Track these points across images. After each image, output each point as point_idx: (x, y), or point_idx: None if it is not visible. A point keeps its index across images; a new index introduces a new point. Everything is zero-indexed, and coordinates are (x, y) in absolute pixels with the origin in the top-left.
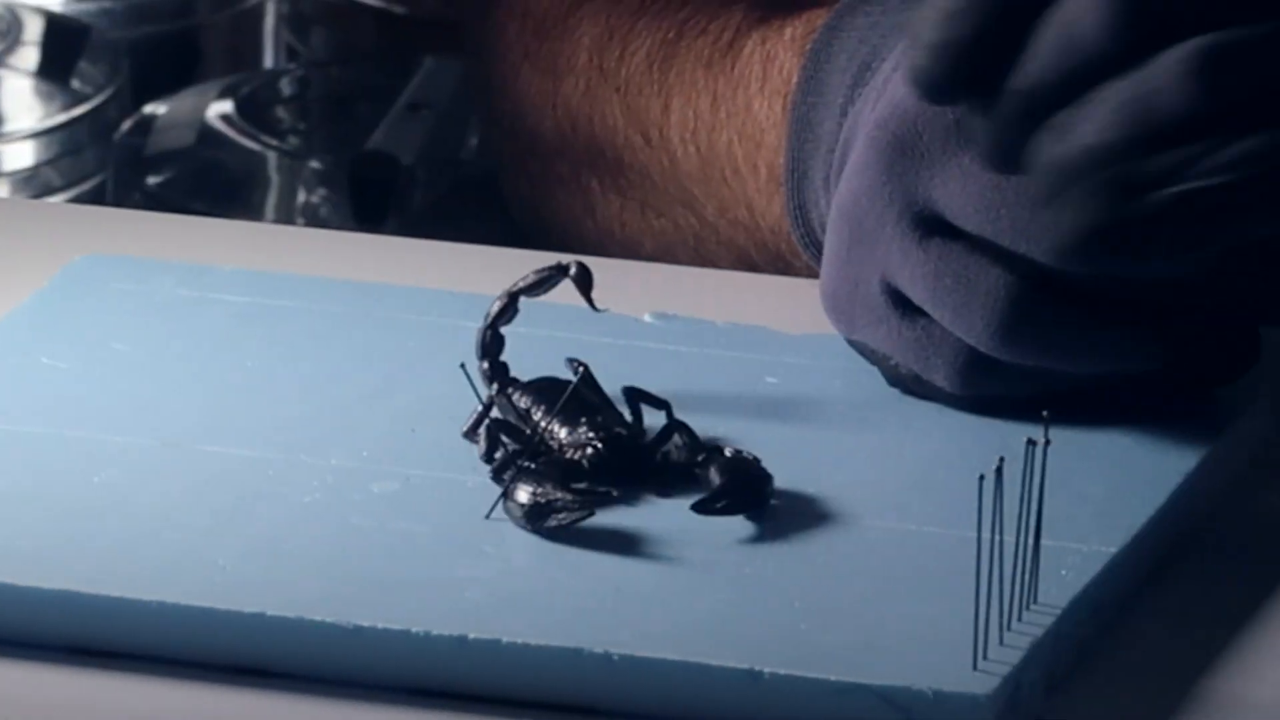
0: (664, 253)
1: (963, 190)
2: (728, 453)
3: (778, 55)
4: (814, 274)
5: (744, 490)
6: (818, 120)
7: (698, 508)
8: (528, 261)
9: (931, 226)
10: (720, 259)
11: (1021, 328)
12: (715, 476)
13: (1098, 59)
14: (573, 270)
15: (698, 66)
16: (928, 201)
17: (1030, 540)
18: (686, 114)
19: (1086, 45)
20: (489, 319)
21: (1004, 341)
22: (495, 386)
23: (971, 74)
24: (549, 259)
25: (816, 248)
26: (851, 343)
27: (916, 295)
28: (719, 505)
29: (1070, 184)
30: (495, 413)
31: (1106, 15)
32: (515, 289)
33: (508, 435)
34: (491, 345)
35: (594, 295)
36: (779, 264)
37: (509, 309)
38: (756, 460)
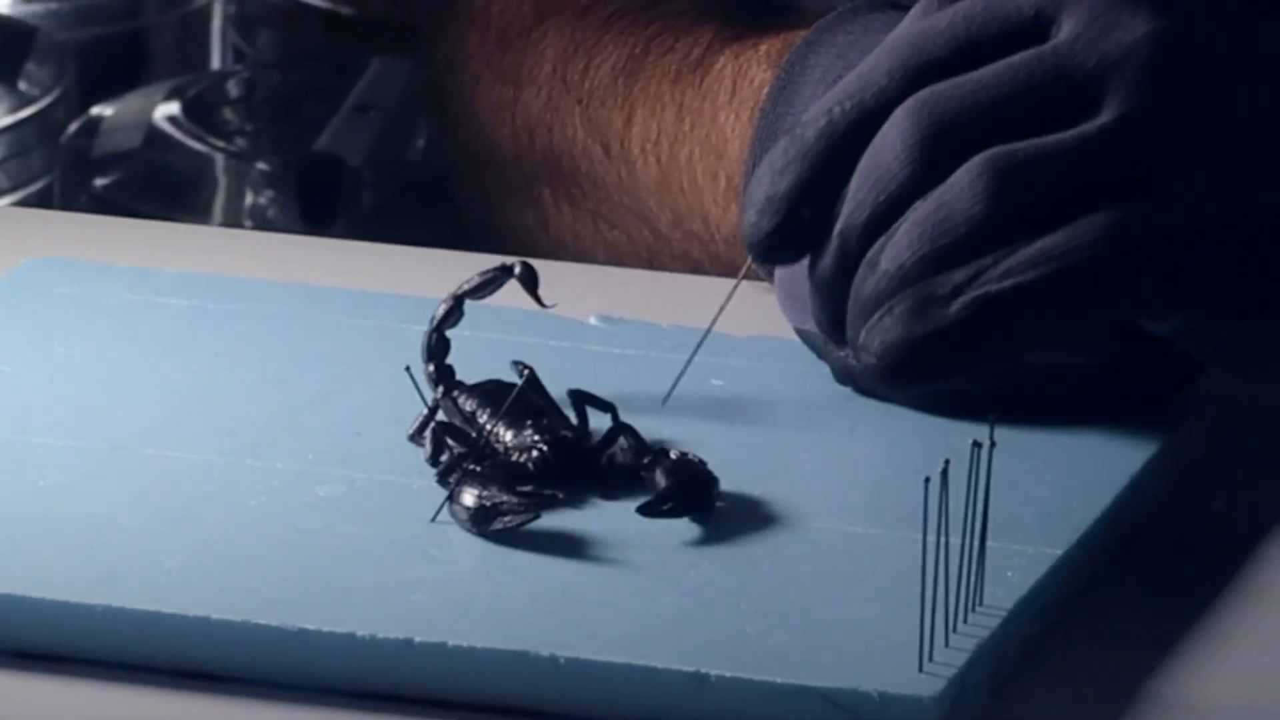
0: (616, 264)
1: None
2: (673, 455)
3: (750, 69)
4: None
5: (689, 492)
6: (784, 131)
7: (644, 510)
8: (475, 264)
9: None
10: (673, 271)
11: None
12: (661, 479)
13: (903, 189)
14: (518, 270)
15: (664, 81)
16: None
17: (976, 542)
18: (649, 126)
19: (891, 178)
20: (434, 322)
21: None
22: (441, 389)
23: (799, 227)
24: (496, 261)
25: None
26: (801, 335)
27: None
28: (665, 508)
29: (875, 309)
30: (441, 416)
31: (906, 145)
32: (460, 291)
33: (453, 438)
34: (437, 348)
35: (545, 297)
36: (732, 277)
37: (454, 311)
38: (702, 462)
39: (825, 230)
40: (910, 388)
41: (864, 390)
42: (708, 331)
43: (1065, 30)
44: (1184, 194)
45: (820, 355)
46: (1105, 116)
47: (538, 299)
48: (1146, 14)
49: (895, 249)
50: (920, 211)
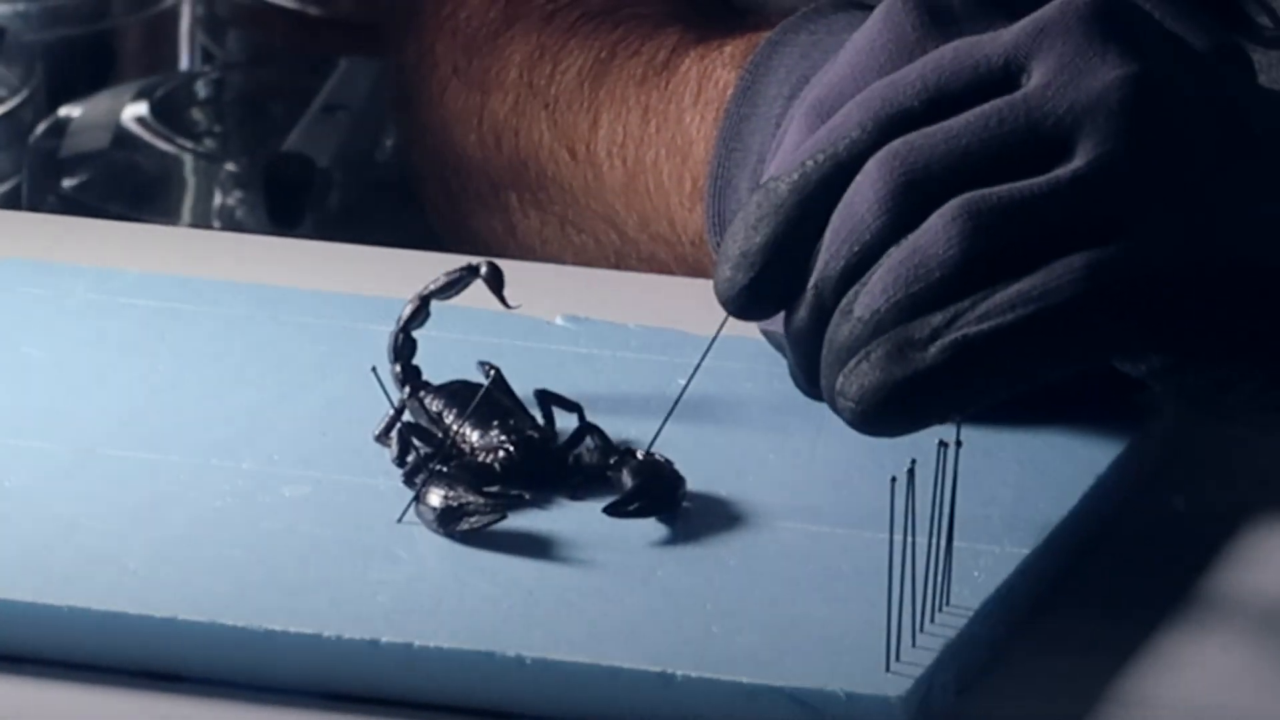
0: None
1: None
2: (639, 455)
3: (715, 70)
4: None
5: (656, 492)
6: (749, 131)
7: (610, 510)
8: (442, 264)
9: None
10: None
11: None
12: (628, 479)
13: (877, 239)
14: (483, 270)
15: (630, 84)
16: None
17: (942, 542)
18: (615, 129)
19: (865, 228)
20: (401, 322)
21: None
22: (407, 390)
23: (775, 282)
24: (463, 261)
25: None
26: (766, 335)
27: None
28: (631, 507)
29: (850, 356)
30: (407, 416)
31: (878, 195)
32: (426, 292)
33: (420, 439)
34: (403, 348)
35: (507, 296)
36: (699, 278)
37: (420, 312)
38: (669, 462)
39: (800, 284)
40: (889, 433)
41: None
42: (696, 368)
43: (1036, 77)
44: (1159, 237)
45: (785, 355)
46: (1078, 161)
47: (503, 300)
48: (1116, 59)
49: (869, 295)
50: (894, 258)
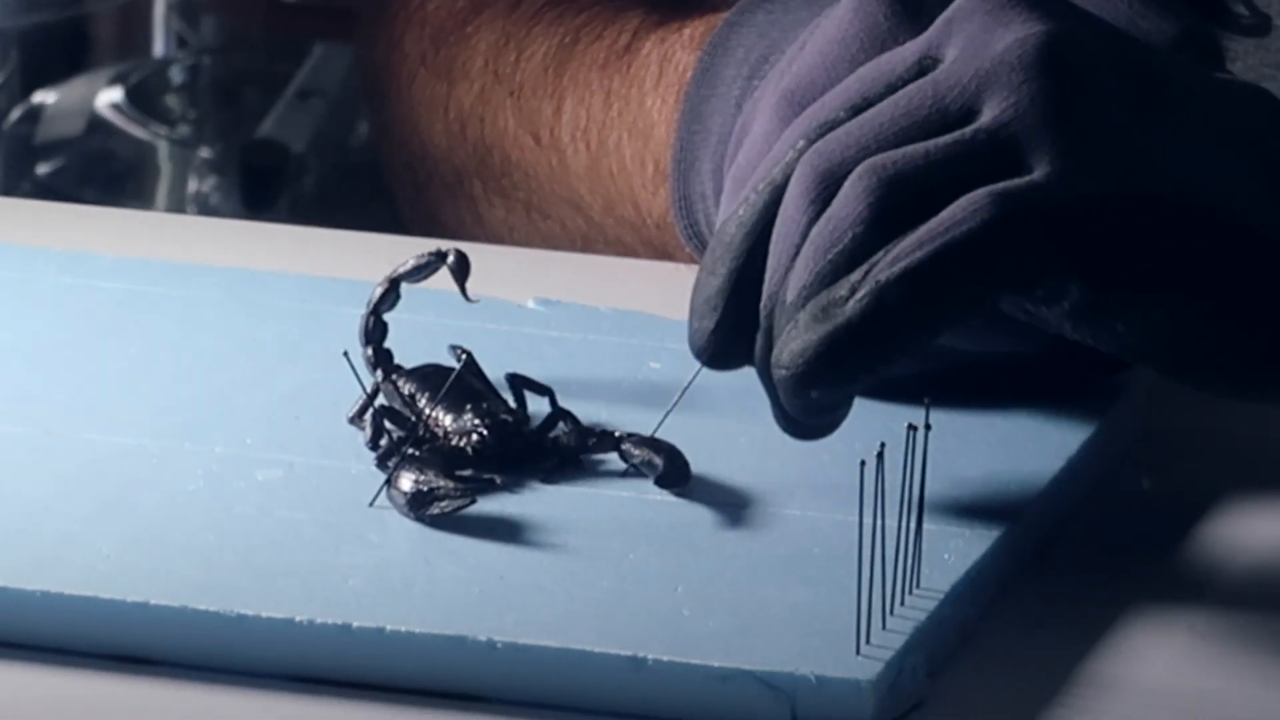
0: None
1: None
2: (624, 434)
3: (675, 53)
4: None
5: (685, 464)
6: (709, 112)
7: (664, 483)
8: (415, 248)
9: (828, 197)
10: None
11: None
12: (652, 455)
13: (805, 234)
14: (450, 259)
15: (593, 69)
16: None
17: (912, 525)
18: (579, 113)
19: (795, 229)
20: (371, 305)
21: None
22: (380, 373)
23: (741, 321)
24: (425, 244)
25: (699, 240)
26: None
27: None
28: (683, 479)
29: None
30: (381, 399)
31: (803, 192)
32: (396, 275)
33: (393, 422)
34: (374, 331)
35: (480, 280)
36: (665, 261)
37: (390, 295)
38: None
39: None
40: (827, 398)
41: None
42: (676, 400)
43: (946, 60)
44: (1069, 171)
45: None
46: (984, 117)
47: (464, 291)
48: (1019, 26)
49: (795, 277)
50: (812, 233)
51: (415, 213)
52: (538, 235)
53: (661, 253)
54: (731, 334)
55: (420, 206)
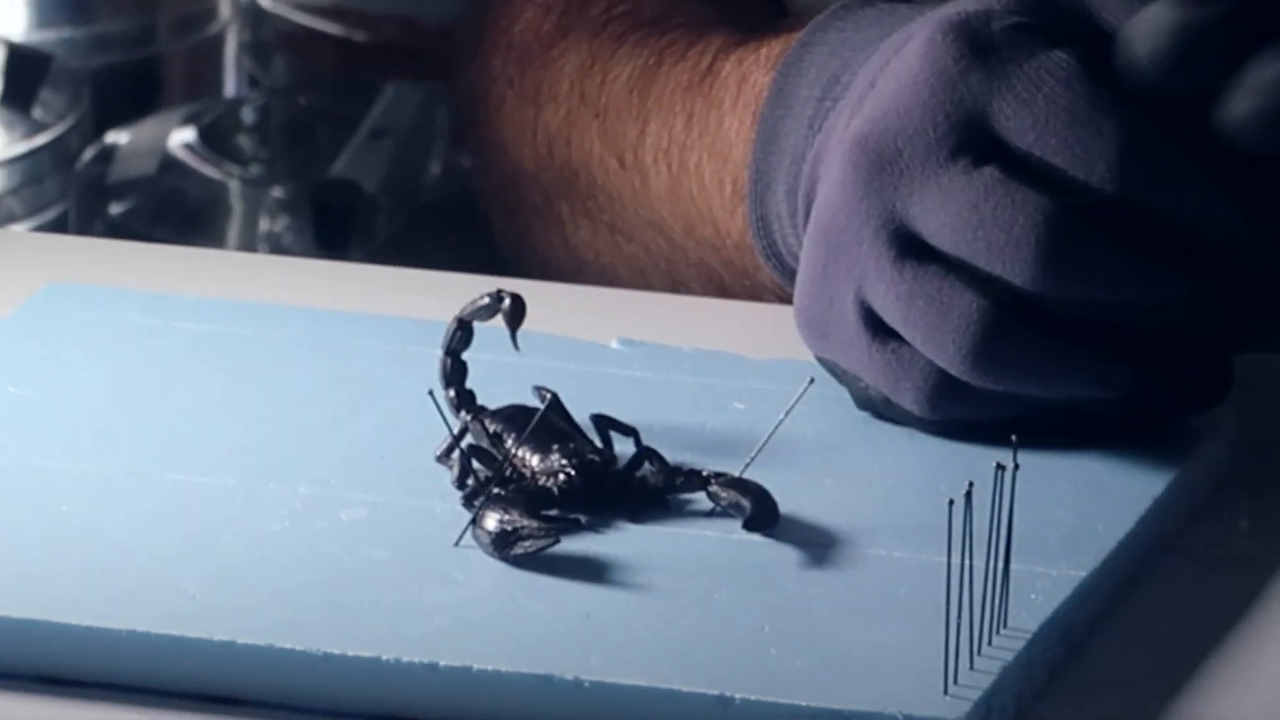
0: (638, 278)
1: (940, 209)
2: (712, 474)
3: (751, 73)
4: (779, 289)
5: (772, 505)
6: (784, 132)
7: (752, 526)
8: (487, 287)
9: (908, 245)
10: (691, 281)
11: (993, 352)
12: (739, 497)
13: None
14: (505, 303)
15: (676, 90)
16: (905, 219)
17: (1000, 564)
18: (661, 135)
19: None
20: (445, 346)
21: (975, 366)
22: (468, 413)
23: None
24: (506, 285)
25: (778, 260)
26: (821, 361)
27: (889, 315)
28: (771, 523)
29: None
30: (468, 439)
31: None
32: (462, 314)
33: (480, 461)
34: (454, 373)
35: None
36: (746, 281)
37: (458, 334)
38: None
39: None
40: (1066, 287)
41: (883, 416)
42: (764, 442)
43: None
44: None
45: (840, 381)
46: None
47: (514, 336)
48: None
49: None
50: None
51: (508, 239)
52: (621, 258)
53: (741, 273)
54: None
55: (512, 232)
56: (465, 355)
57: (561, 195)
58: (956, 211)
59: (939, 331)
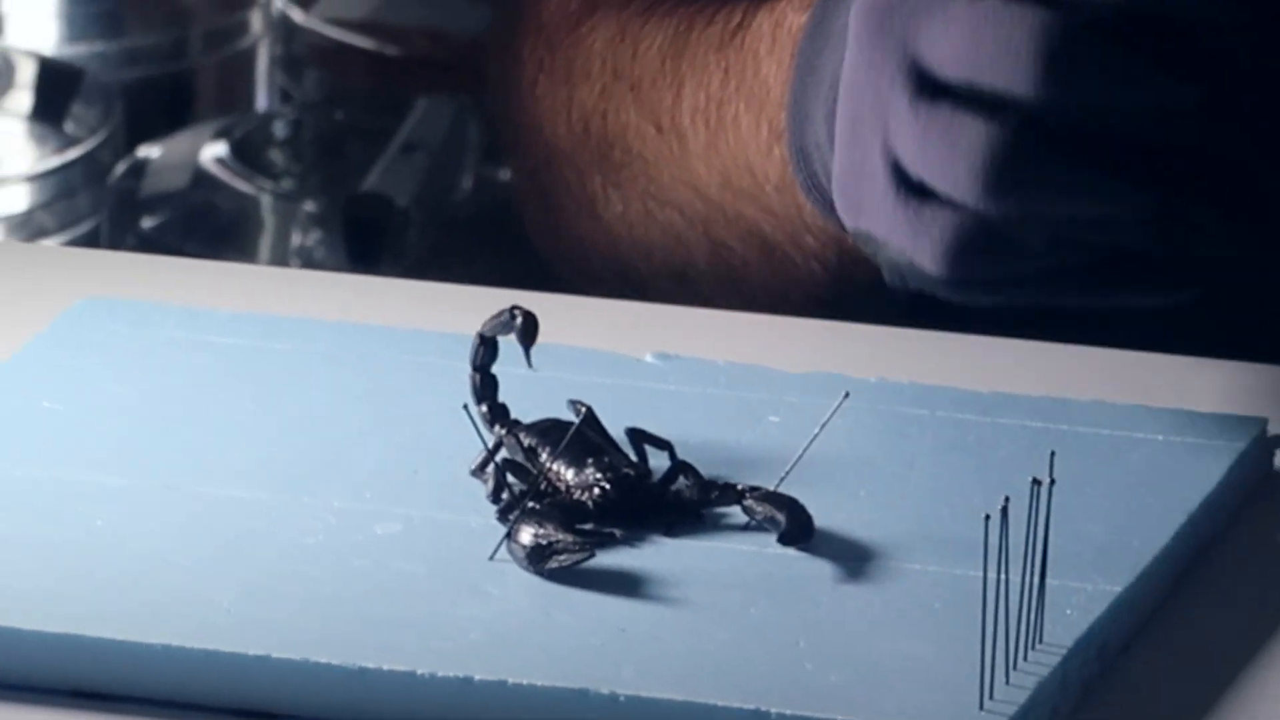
0: (675, 247)
1: (946, 38)
2: (747, 488)
3: (785, 16)
4: (821, 232)
5: (807, 519)
6: (822, 64)
7: (787, 540)
8: (520, 301)
9: (923, 84)
10: (731, 239)
11: (1005, 174)
12: (774, 511)
13: None
14: (517, 320)
15: (710, 50)
16: (917, 57)
17: (1035, 579)
18: (698, 95)
19: None
20: (473, 362)
21: (989, 189)
22: (503, 427)
23: None
24: (539, 299)
25: (819, 192)
26: (856, 236)
27: (909, 158)
28: (807, 536)
29: None
30: (503, 453)
31: None
32: (483, 330)
33: (515, 475)
34: (484, 388)
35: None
36: (788, 226)
37: (482, 349)
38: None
39: None
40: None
41: (912, 290)
42: (799, 456)
43: None
44: None
45: (872, 253)
46: None
47: (527, 353)
48: None
49: None
50: None
51: (542, 234)
52: (656, 226)
53: (783, 219)
54: None
55: (546, 224)
56: (496, 369)
57: (595, 169)
58: (961, 37)
59: (953, 162)
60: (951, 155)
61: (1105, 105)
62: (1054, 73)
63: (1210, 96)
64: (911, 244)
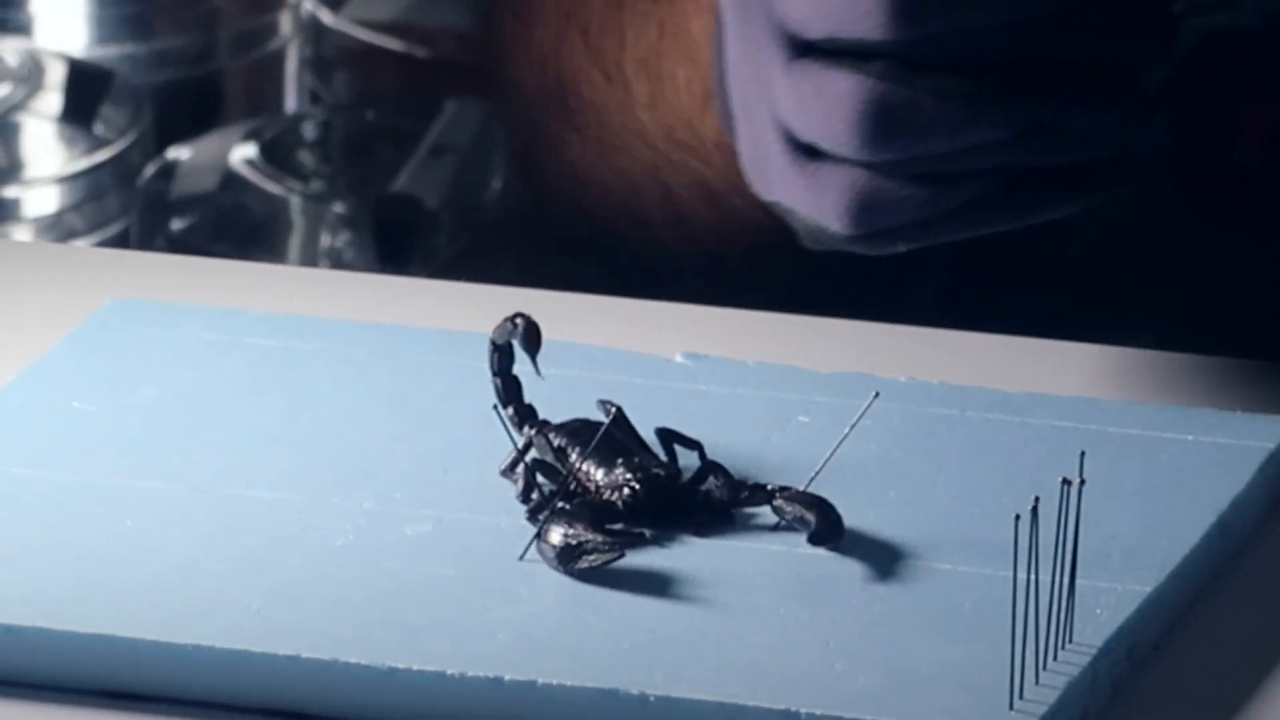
0: (631, 192)
1: None
2: (778, 488)
3: None
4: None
5: (837, 519)
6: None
7: (818, 541)
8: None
9: (791, 46)
10: (680, 187)
11: (880, 122)
12: (804, 511)
13: None
14: (519, 327)
15: (648, 2)
16: (782, 19)
17: (1065, 580)
18: (639, 46)
19: None
20: (491, 368)
21: (868, 140)
22: (531, 427)
23: None
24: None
25: None
26: (773, 208)
27: (794, 122)
28: (837, 536)
29: None
30: (533, 453)
31: None
32: (493, 336)
33: (544, 475)
34: (507, 391)
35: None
36: (730, 178)
37: (495, 355)
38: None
39: None
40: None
41: (830, 251)
42: (829, 456)
43: None
44: None
45: (790, 221)
46: None
47: (533, 360)
48: None
49: None
50: None
51: (531, 182)
52: (610, 170)
53: (722, 174)
54: None
55: (531, 174)
56: (517, 371)
57: (553, 111)
58: None
59: (829, 119)
60: (827, 112)
61: (959, 33)
62: (904, 11)
63: (1062, 3)
64: (814, 207)
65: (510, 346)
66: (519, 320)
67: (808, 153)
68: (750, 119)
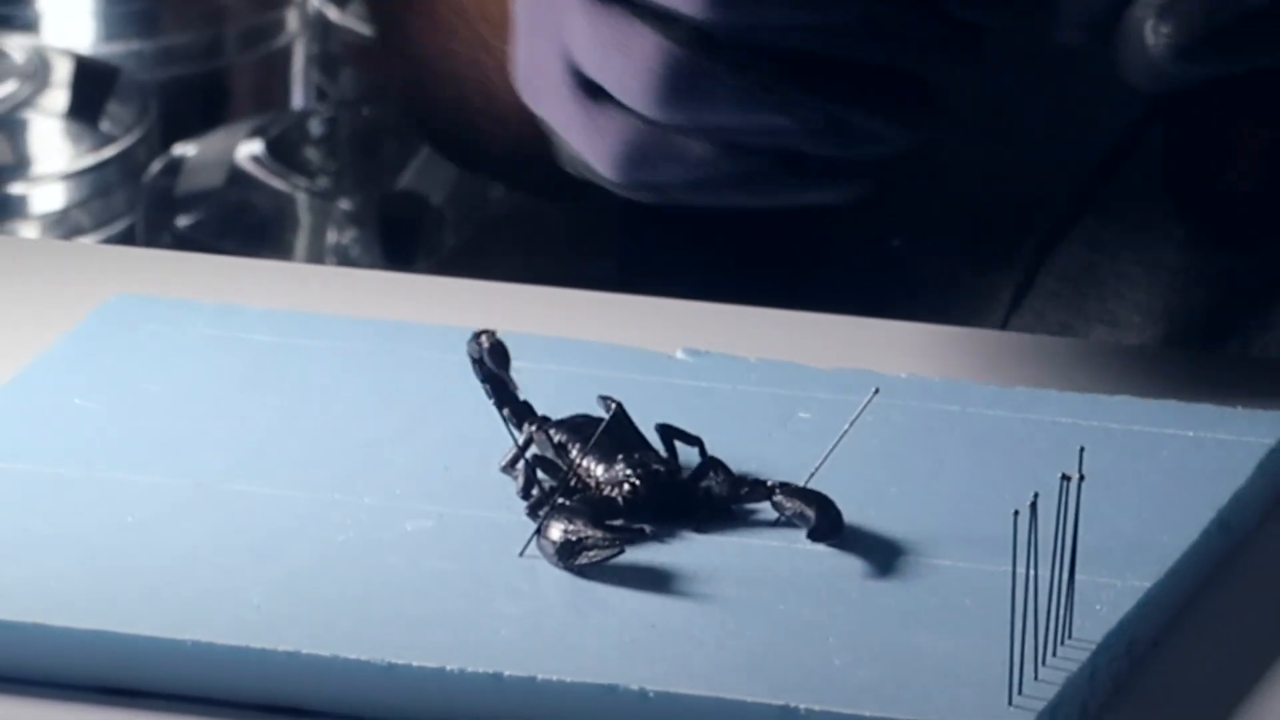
0: (453, 74)
1: None
2: (777, 484)
3: None
4: None
5: (838, 516)
6: None
7: (817, 537)
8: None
9: None
10: (493, 75)
11: (677, 87)
12: (803, 507)
13: None
14: (485, 346)
15: None
16: None
17: (1064, 575)
18: None
19: None
20: (480, 377)
21: (662, 102)
22: (532, 424)
23: None
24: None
25: None
26: (539, 120)
27: (587, 64)
28: (838, 532)
29: None
30: (533, 449)
31: None
32: (467, 349)
33: (545, 471)
34: (498, 396)
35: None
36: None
37: (475, 364)
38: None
39: None
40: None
41: (587, 179)
42: (829, 452)
43: None
44: None
45: (552, 138)
46: None
47: (508, 379)
48: None
49: None
50: None
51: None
52: (438, 51)
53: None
54: None
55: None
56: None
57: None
58: None
59: (626, 71)
60: (625, 64)
61: (767, 26)
62: None
63: (871, 13)
64: (586, 143)
65: (479, 358)
66: (484, 340)
67: (589, 88)
68: (532, 35)
